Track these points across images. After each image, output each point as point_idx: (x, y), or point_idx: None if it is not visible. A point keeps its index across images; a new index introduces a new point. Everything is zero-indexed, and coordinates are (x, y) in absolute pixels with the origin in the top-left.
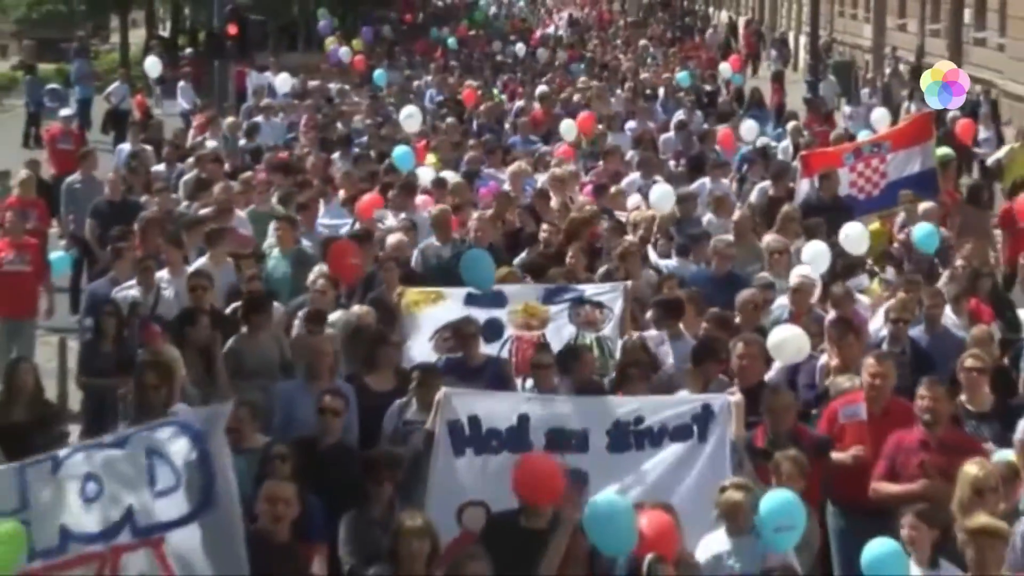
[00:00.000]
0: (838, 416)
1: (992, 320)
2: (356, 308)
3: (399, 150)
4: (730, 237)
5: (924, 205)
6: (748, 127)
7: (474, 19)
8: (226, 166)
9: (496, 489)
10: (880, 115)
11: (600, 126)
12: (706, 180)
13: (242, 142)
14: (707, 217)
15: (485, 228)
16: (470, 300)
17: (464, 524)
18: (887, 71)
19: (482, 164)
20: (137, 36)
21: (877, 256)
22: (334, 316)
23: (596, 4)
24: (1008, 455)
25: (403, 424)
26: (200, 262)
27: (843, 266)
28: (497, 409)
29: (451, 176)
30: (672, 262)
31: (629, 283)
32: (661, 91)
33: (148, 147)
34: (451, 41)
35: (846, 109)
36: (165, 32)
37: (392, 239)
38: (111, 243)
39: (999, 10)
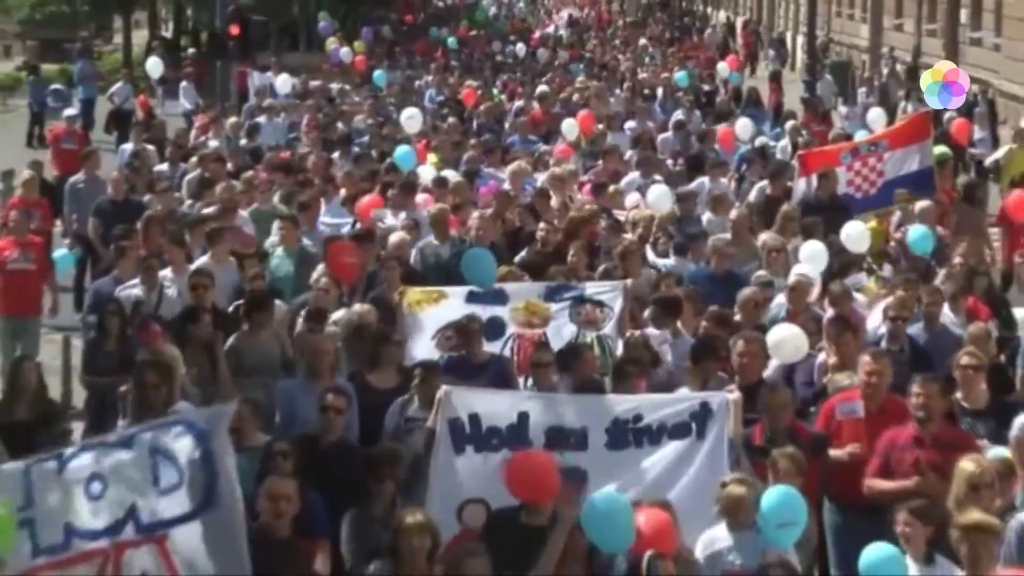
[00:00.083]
0: (835, 413)
1: (989, 318)
2: (357, 307)
3: (401, 150)
4: (729, 236)
5: (920, 204)
6: (743, 125)
7: (475, 20)
8: (228, 165)
9: (496, 487)
10: (876, 115)
11: (600, 126)
12: (705, 179)
13: (243, 142)
14: (706, 216)
15: (486, 227)
16: (472, 298)
17: (464, 521)
18: (884, 71)
19: (481, 164)
20: (140, 37)
21: (874, 254)
22: (337, 315)
23: (595, 4)
24: (1001, 452)
25: (404, 421)
26: (201, 260)
27: (839, 264)
28: (497, 407)
29: (452, 175)
30: (670, 261)
31: (629, 282)
32: (660, 91)
33: (151, 146)
34: (451, 41)
35: (842, 109)
36: (168, 33)
37: (394, 238)
38: (114, 242)
39: (995, 10)
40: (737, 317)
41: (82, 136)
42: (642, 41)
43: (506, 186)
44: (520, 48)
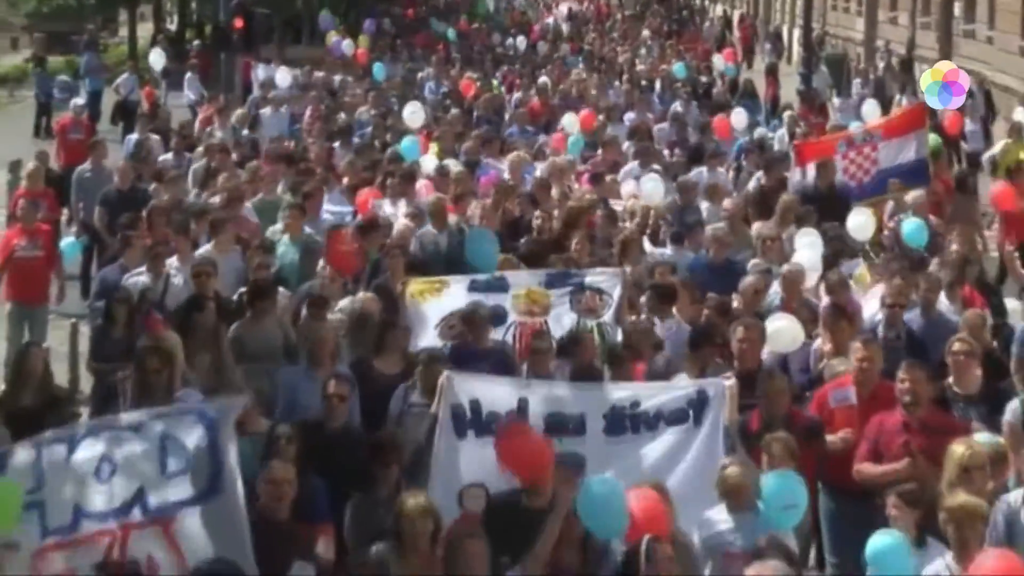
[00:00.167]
0: (828, 400)
1: (985, 306)
2: (360, 295)
3: (407, 140)
4: (724, 225)
5: (912, 194)
6: (737, 116)
7: (475, 13)
8: (233, 156)
9: (496, 471)
10: (870, 108)
11: (600, 117)
12: (703, 170)
13: (244, 132)
14: (704, 205)
15: (488, 216)
16: (474, 287)
17: (465, 506)
18: (880, 65)
19: (479, 154)
20: (145, 30)
21: (871, 243)
22: (342, 303)
23: None
24: (988, 438)
25: (408, 407)
26: (204, 249)
27: (832, 252)
28: (497, 393)
29: (454, 165)
30: (667, 251)
31: (628, 269)
32: (658, 83)
33: (155, 136)
34: (451, 34)
35: (836, 101)
36: (172, 26)
37: (398, 227)
38: (119, 231)
39: (988, 3)
40: (737, 304)
41: (89, 126)
42: (645, 33)
43: (506, 176)
44: (521, 41)
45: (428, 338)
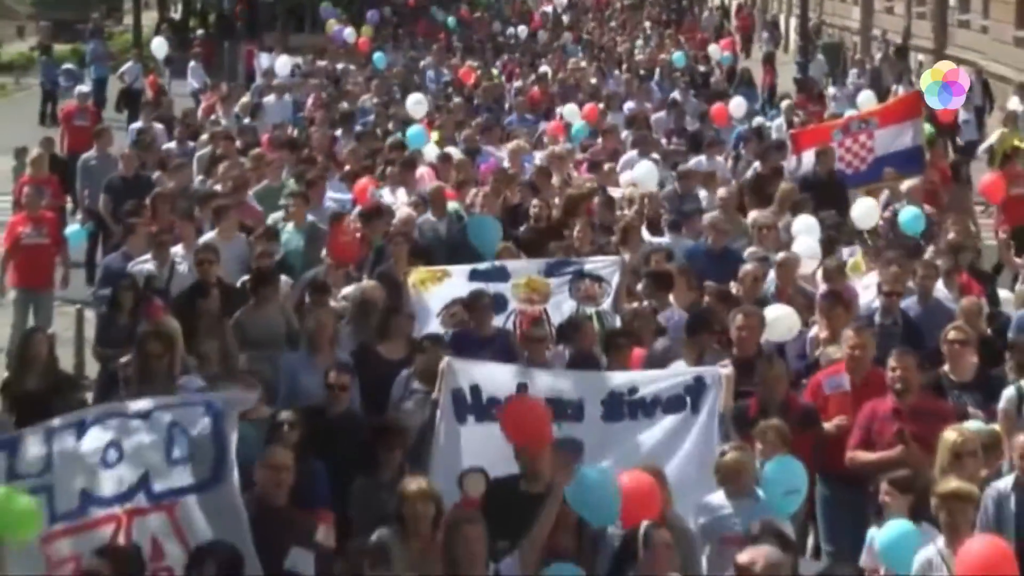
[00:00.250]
0: (822, 388)
1: (982, 294)
2: (364, 282)
3: (413, 128)
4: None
5: (907, 182)
6: (737, 104)
7: (477, 1)
8: (237, 143)
9: (495, 456)
10: (866, 97)
11: (600, 105)
12: (702, 158)
13: (246, 120)
14: (703, 193)
15: (489, 203)
16: (474, 276)
17: (464, 490)
18: (877, 55)
19: (478, 142)
20: (149, 18)
21: (868, 230)
22: (346, 290)
23: None
24: (979, 425)
25: (409, 393)
26: (207, 236)
27: (826, 240)
28: (497, 379)
29: (455, 152)
30: (665, 239)
31: (627, 256)
32: (657, 72)
33: (159, 124)
34: (451, 21)
35: (831, 90)
36: (176, 14)
37: (401, 214)
38: (123, 218)
39: None
40: (737, 290)
41: (94, 114)
42: (647, 22)
43: (506, 164)
44: (522, 30)
45: (430, 326)
